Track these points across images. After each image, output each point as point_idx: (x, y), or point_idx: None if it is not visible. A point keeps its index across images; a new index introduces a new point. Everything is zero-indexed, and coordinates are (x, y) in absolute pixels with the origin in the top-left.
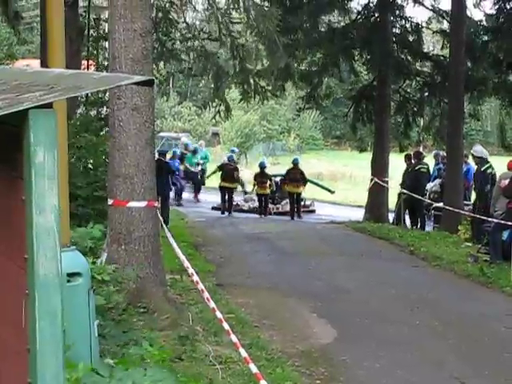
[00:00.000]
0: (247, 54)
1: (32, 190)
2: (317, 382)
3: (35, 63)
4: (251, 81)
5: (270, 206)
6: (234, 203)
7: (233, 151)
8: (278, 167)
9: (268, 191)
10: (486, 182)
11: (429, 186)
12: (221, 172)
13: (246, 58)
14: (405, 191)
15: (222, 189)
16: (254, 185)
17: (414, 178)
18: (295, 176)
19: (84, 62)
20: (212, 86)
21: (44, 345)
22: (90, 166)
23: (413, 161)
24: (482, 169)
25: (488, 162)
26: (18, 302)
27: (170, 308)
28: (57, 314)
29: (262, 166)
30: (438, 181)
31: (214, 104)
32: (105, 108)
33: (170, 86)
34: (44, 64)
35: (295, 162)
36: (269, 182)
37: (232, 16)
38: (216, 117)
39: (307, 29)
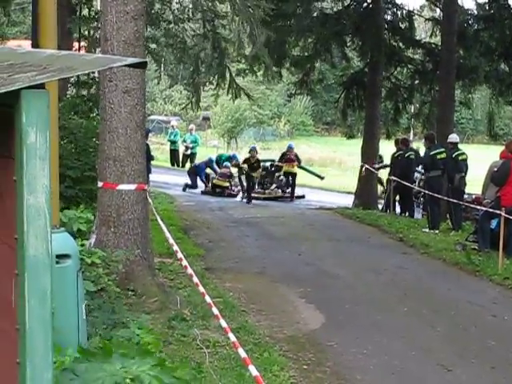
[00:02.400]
0: (228, 47)
1: (23, 171)
2: (304, 367)
3: (26, 44)
4: (227, 75)
5: (260, 190)
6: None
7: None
8: (268, 152)
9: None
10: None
11: (418, 173)
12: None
13: (225, 52)
14: (394, 178)
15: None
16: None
17: (404, 166)
18: (290, 157)
19: (75, 44)
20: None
21: (33, 325)
22: (79, 148)
23: (401, 148)
24: (453, 155)
25: (460, 149)
26: (7, 282)
27: (158, 291)
28: (46, 293)
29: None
30: None
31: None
32: (93, 88)
33: (161, 69)
34: (35, 45)
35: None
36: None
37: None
38: (188, 106)
39: (300, 15)
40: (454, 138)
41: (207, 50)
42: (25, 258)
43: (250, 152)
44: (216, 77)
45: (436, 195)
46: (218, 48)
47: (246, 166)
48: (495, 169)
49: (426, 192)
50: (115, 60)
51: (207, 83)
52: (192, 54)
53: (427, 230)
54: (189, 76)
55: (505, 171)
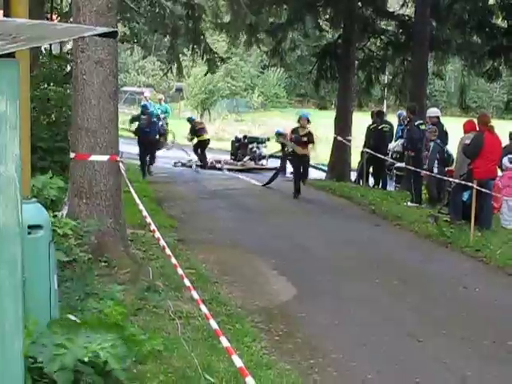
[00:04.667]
0: (202, 12)
1: None
2: (275, 338)
3: None
4: (202, 42)
5: (233, 162)
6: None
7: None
8: (241, 124)
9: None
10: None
11: (391, 145)
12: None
13: (199, 18)
14: (368, 150)
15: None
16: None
17: (378, 138)
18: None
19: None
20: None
21: (3, 294)
22: (52, 118)
23: (375, 120)
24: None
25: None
26: None
27: (130, 262)
28: (16, 263)
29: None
30: (400, 141)
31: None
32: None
33: (134, 40)
34: (6, 15)
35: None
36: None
37: None
38: (168, 74)
39: None
40: (436, 111)
41: (183, 18)
42: None
43: (298, 121)
44: (191, 44)
45: (417, 169)
46: (192, 15)
47: (291, 142)
48: (467, 141)
49: (409, 167)
50: (86, 30)
51: (185, 50)
52: (169, 22)
53: (411, 204)
54: (168, 45)
55: (477, 144)
